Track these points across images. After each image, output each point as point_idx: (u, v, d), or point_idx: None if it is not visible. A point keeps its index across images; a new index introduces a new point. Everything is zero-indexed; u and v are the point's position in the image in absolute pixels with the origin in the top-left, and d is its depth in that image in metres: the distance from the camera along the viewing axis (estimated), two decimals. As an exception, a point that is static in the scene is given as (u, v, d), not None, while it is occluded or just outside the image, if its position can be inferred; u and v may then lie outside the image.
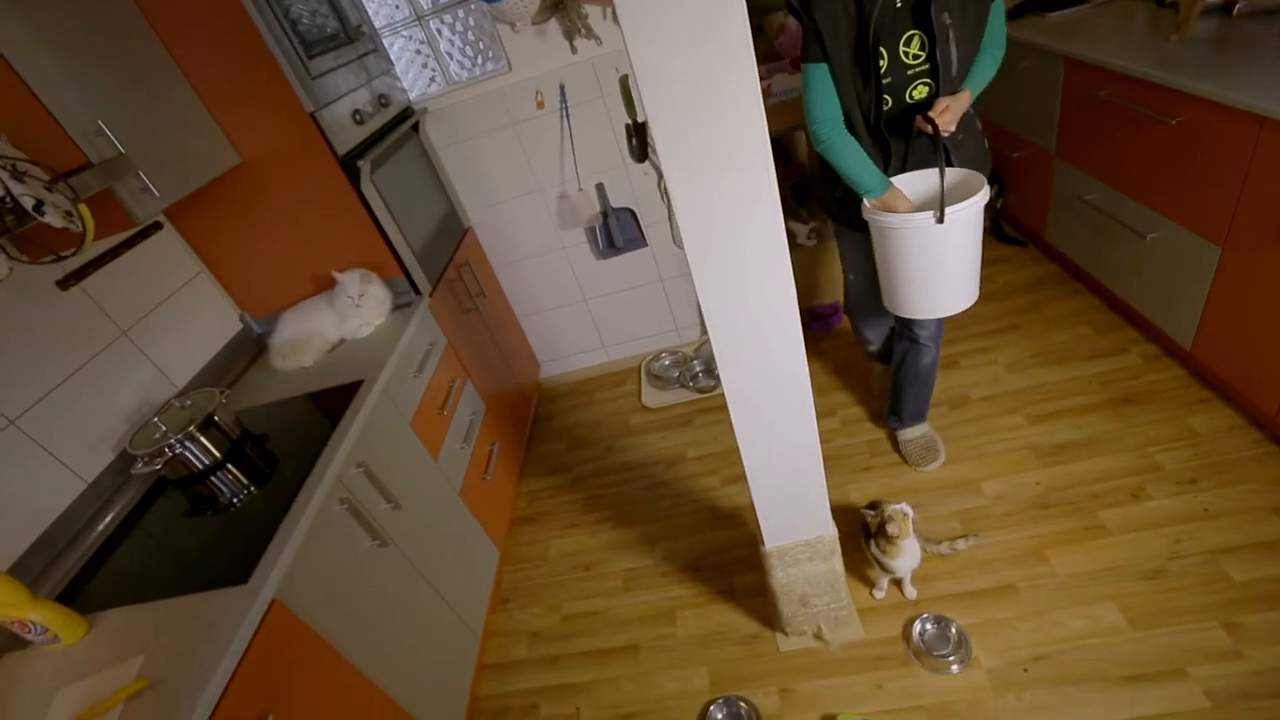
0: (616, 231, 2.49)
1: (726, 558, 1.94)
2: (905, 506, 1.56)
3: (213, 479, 1.54)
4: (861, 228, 1.60)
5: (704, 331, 2.81)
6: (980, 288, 1.53)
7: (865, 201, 1.49)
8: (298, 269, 2.01)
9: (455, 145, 2.38)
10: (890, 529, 1.53)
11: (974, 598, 1.64)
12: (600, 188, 2.43)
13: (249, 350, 2.05)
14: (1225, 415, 1.86)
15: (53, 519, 1.41)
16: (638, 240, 2.53)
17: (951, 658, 1.53)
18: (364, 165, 1.79)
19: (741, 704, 1.58)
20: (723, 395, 1.23)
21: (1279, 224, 1.53)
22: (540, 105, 2.28)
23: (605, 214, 2.47)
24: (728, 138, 0.95)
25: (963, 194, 1.40)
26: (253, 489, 1.48)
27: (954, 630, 1.58)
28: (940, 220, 1.35)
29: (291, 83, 1.65)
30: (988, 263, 2.76)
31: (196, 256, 1.97)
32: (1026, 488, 1.84)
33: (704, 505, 2.14)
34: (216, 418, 1.56)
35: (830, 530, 1.44)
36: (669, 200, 2.28)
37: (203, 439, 1.53)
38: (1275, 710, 1.29)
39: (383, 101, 2.06)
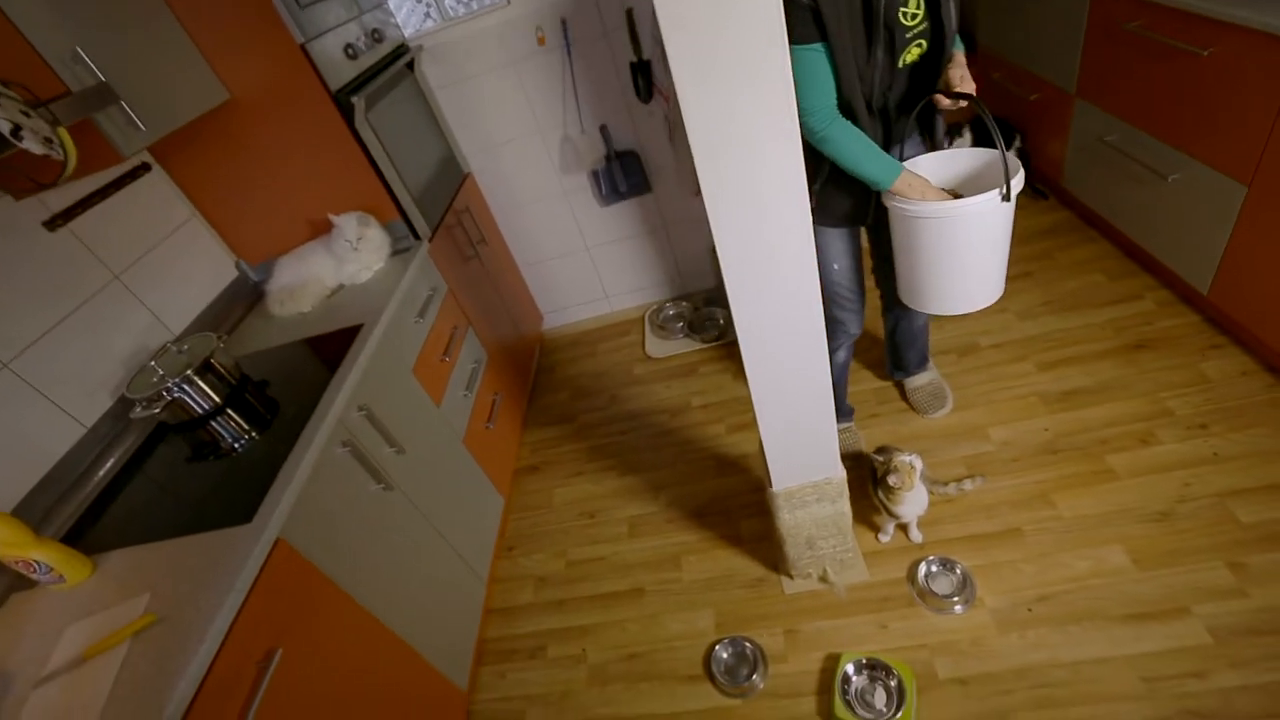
0: (619, 177, 2.42)
1: (732, 504, 1.94)
2: (913, 458, 1.54)
3: (213, 424, 1.52)
4: (847, 222, 1.50)
5: (714, 280, 2.76)
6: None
7: (886, 191, 1.33)
8: (293, 214, 1.95)
9: (453, 85, 2.29)
10: (891, 480, 1.52)
11: (979, 541, 1.64)
12: (604, 130, 2.35)
13: (246, 298, 2.01)
14: (1239, 360, 1.83)
15: (53, 463, 1.39)
16: (641, 185, 2.46)
17: (956, 599, 1.54)
18: (358, 102, 1.72)
19: (747, 644, 1.59)
20: (727, 345, 1.20)
21: (1310, 159, 1.47)
22: (541, 42, 2.18)
23: (609, 158, 2.39)
24: (745, 44, 0.89)
25: (992, 173, 1.31)
26: (254, 434, 1.46)
27: (959, 572, 1.58)
28: (1006, 197, 1.21)
29: (280, 12, 1.57)
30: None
31: (188, 201, 1.91)
32: (1034, 434, 1.83)
33: (709, 453, 2.13)
34: (214, 362, 1.53)
35: (839, 472, 1.43)
36: (676, 139, 2.21)
37: (201, 383, 1.50)
38: (1277, 645, 1.30)
39: (375, 36, 1.97)
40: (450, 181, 2.32)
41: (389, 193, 1.92)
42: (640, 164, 2.41)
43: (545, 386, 2.68)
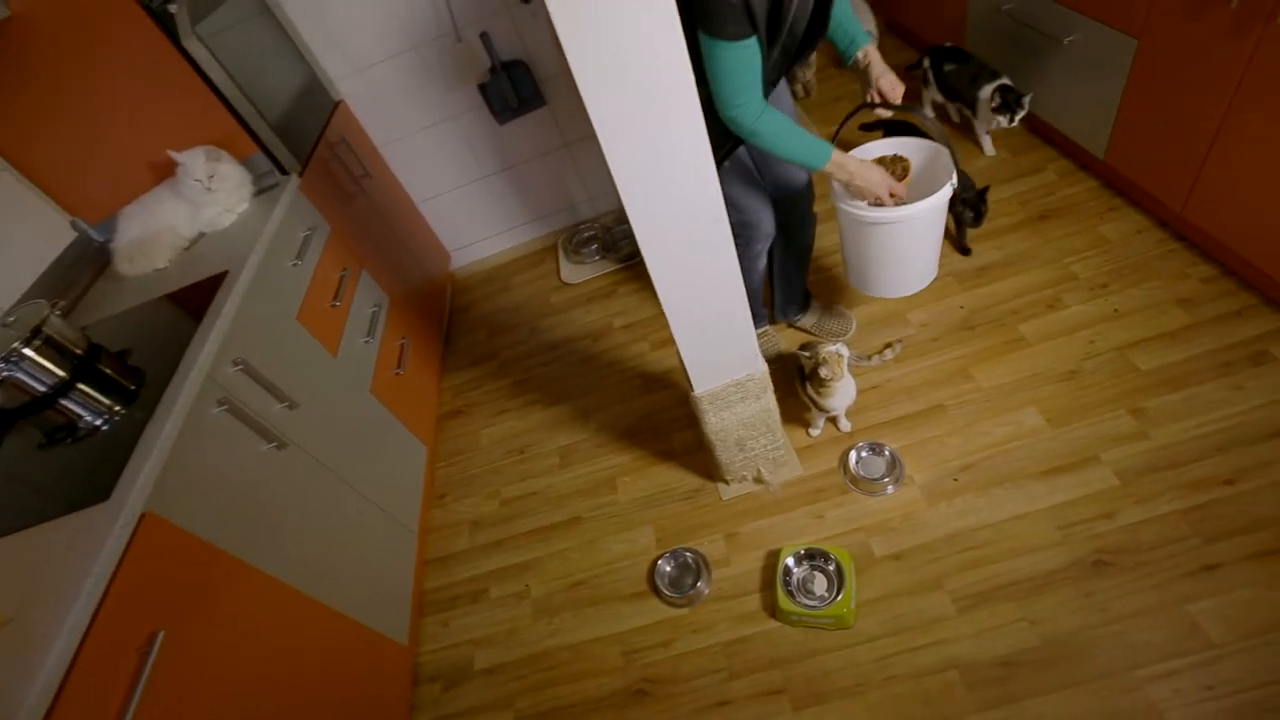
0: (509, 91, 2.22)
1: (662, 419, 1.90)
2: (840, 347, 1.52)
3: (64, 402, 1.32)
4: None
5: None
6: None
7: (839, 195, 1.40)
8: (130, 157, 1.71)
9: (301, -5, 2.01)
10: (823, 372, 1.49)
11: (905, 421, 1.66)
12: (485, 38, 2.13)
13: (91, 260, 1.76)
14: (1133, 220, 1.88)
15: None
16: (535, 98, 2.27)
17: (886, 479, 1.56)
18: (178, 10, 1.47)
19: (688, 554, 1.58)
20: (644, 261, 1.12)
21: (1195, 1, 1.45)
22: (395, -64, 1.92)
23: (494, 70, 2.19)
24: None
25: (929, 157, 1.47)
26: (118, 408, 1.29)
27: (888, 453, 1.60)
28: (956, 188, 1.35)
29: (48, -103, 1.29)
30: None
31: (-7, 151, 1.62)
32: (950, 312, 1.85)
33: (634, 372, 2.07)
34: (49, 332, 1.32)
35: (760, 367, 1.39)
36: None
37: (36, 358, 1.29)
38: (1174, 478, 1.37)
39: (192, -65, 1.68)
40: (318, 109, 2.07)
41: (241, 123, 1.69)
42: (530, 74, 2.22)
43: (461, 327, 2.53)
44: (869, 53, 1.39)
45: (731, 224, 1.57)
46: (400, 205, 2.43)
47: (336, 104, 2.19)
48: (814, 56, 1.40)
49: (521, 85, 2.23)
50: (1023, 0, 2.03)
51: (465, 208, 2.59)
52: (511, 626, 1.62)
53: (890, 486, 1.55)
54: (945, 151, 1.38)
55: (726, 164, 1.42)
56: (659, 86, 0.94)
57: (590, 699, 1.44)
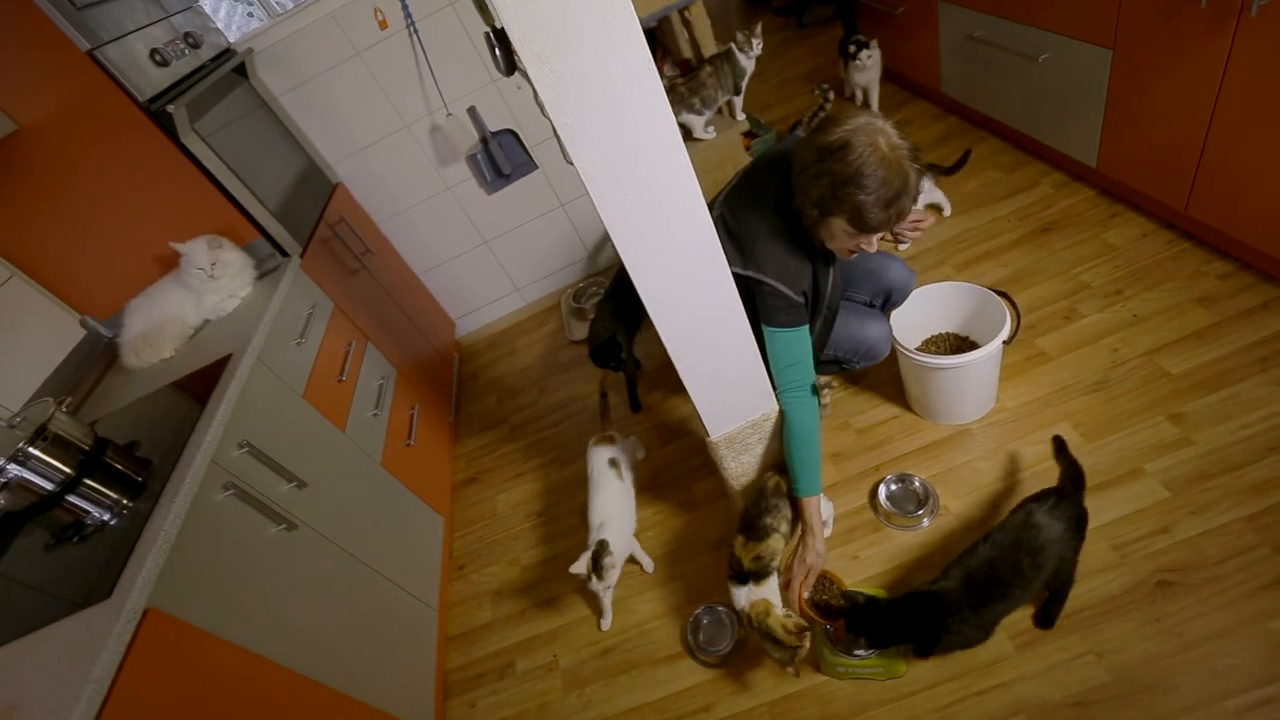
0: (501, 158, 2.27)
1: (681, 470, 1.84)
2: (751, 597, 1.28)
3: (70, 500, 1.29)
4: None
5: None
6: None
7: (907, 348, 1.49)
8: (135, 252, 1.73)
9: (297, 89, 2.09)
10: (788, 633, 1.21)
11: (931, 450, 1.60)
12: (473, 111, 2.20)
13: (100, 357, 1.77)
14: (1138, 224, 1.86)
15: None
16: (527, 164, 2.32)
17: (920, 512, 1.49)
18: (177, 110, 1.52)
19: (720, 609, 1.50)
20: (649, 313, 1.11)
21: (1164, 6, 1.47)
22: (383, 25, 2.01)
23: (485, 140, 2.24)
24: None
25: (978, 303, 1.57)
26: (127, 501, 1.26)
27: (918, 484, 1.53)
28: (1009, 341, 1.45)
29: (52, 17, 1.35)
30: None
31: (1, 258, 1.65)
32: (964, 333, 1.80)
33: (650, 423, 2.02)
34: (54, 430, 1.30)
35: (774, 404, 1.34)
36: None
37: (42, 456, 1.27)
38: (1227, 485, 1.29)
39: (191, 41, 1.76)
40: (317, 193, 2.12)
41: (242, 211, 1.72)
42: (520, 140, 2.27)
43: (471, 394, 2.51)
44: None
45: (854, 358, 1.61)
46: (403, 278, 2.45)
47: (335, 186, 2.25)
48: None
49: (512, 152, 2.28)
50: (991, 25, 2.08)
51: (467, 275, 2.62)
52: (542, 702, 1.53)
53: (925, 519, 1.48)
54: (1000, 301, 1.48)
55: (829, 312, 1.46)
56: (642, 141, 0.95)
57: (630, 778, 1.34)
